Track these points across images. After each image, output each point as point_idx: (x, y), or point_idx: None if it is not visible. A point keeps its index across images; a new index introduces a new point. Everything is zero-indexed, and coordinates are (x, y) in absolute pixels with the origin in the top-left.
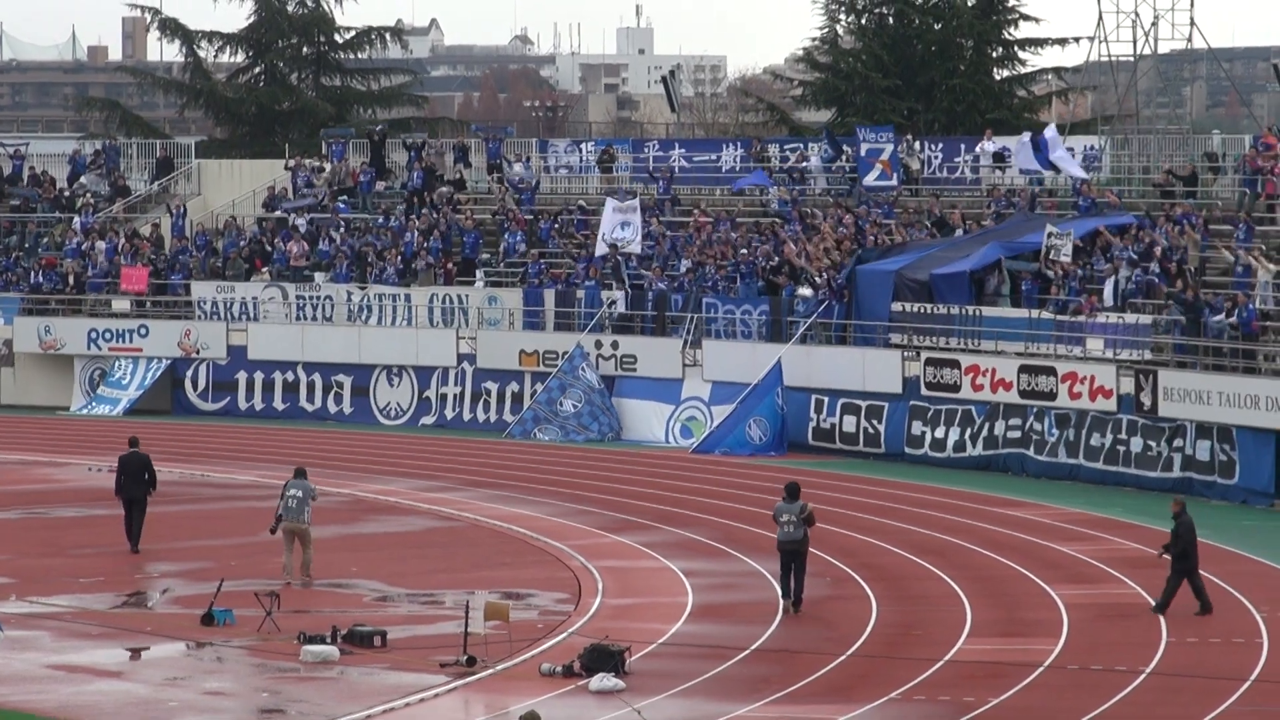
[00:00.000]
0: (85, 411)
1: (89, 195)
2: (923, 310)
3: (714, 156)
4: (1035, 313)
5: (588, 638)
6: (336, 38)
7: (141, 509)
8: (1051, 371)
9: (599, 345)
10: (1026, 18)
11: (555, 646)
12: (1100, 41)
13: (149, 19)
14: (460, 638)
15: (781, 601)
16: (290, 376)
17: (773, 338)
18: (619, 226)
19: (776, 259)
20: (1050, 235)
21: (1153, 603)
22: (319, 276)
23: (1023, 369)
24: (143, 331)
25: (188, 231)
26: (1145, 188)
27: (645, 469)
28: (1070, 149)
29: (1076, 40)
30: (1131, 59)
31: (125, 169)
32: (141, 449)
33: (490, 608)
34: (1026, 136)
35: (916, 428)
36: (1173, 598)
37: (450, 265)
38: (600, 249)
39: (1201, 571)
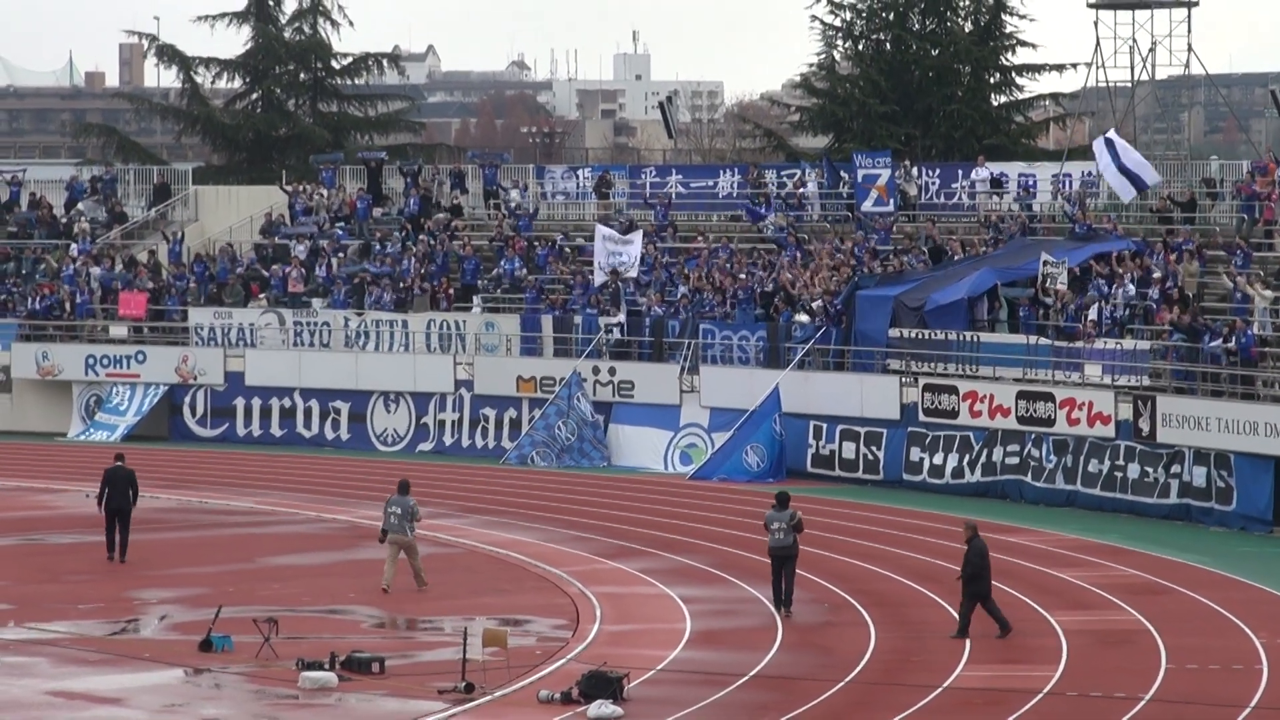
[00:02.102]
0: (83, 438)
1: (85, 221)
2: (920, 336)
3: (711, 183)
4: (1033, 339)
5: (586, 664)
6: (333, 64)
7: (126, 520)
8: (1049, 398)
9: (596, 371)
10: (1024, 44)
11: (553, 673)
12: (1098, 67)
13: (146, 45)
14: (459, 664)
15: (776, 612)
16: (287, 403)
17: (770, 364)
18: (613, 255)
19: (773, 285)
20: (1046, 264)
21: (997, 630)
22: (316, 302)
23: (1021, 395)
24: (140, 358)
25: (185, 258)
26: (1143, 214)
27: (643, 495)
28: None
29: (1074, 66)
30: (1129, 85)
31: (122, 195)
32: (127, 464)
33: (488, 634)
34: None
35: (915, 454)
36: (969, 622)
37: (449, 291)
38: (599, 278)
39: (1195, 595)
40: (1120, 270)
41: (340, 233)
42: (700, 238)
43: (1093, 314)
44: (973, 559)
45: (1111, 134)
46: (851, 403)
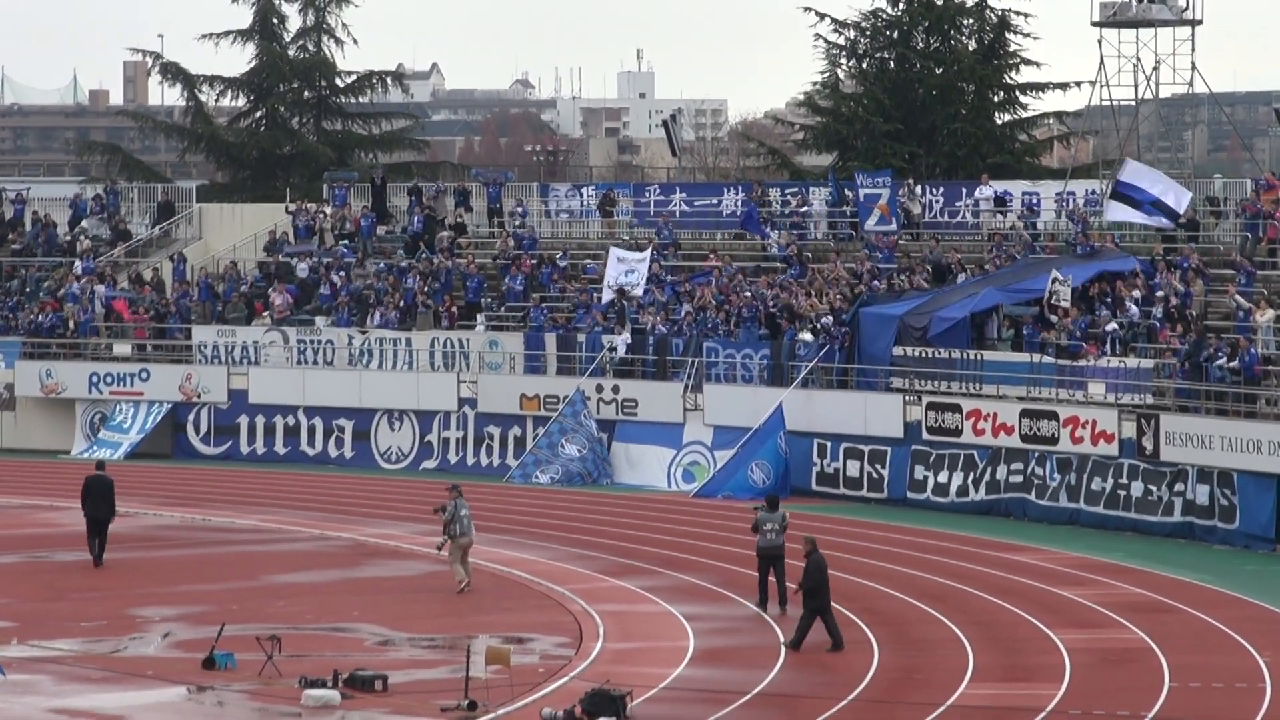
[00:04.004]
0: (87, 455)
1: (88, 239)
2: (924, 354)
3: (715, 201)
4: (1037, 357)
5: (589, 682)
6: (338, 82)
7: (104, 527)
8: (1053, 416)
9: (600, 389)
10: (1028, 62)
11: (556, 691)
12: (1102, 86)
13: (150, 63)
14: (461, 682)
15: (761, 610)
16: (291, 420)
17: (774, 382)
18: (624, 274)
19: (775, 304)
20: (1054, 280)
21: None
22: (320, 320)
23: (1024, 413)
24: (144, 375)
25: (189, 276)
26: (1145, 232)
27: (646, 513)
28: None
29: (1078, 85)
30: (1133, 103)
31: (126, 213)
32: (107, 473)
33: (491, 652)
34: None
35: (919, 472)
36: (805, 634)
37: (453, 309)
38: (606, 295)
39: (1198, 614)
40: (1124, 290)
41: (344, 251)
42: (713, 254)
43: (1109, 328)
44: (812, 572)
45: (1128, 174)
46: (855, 421)
